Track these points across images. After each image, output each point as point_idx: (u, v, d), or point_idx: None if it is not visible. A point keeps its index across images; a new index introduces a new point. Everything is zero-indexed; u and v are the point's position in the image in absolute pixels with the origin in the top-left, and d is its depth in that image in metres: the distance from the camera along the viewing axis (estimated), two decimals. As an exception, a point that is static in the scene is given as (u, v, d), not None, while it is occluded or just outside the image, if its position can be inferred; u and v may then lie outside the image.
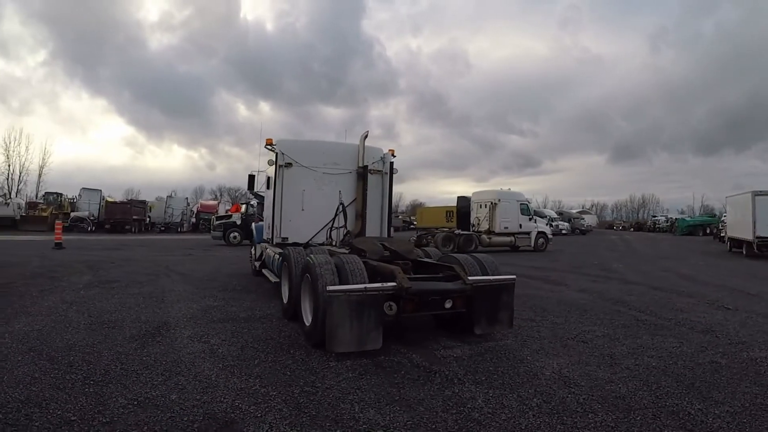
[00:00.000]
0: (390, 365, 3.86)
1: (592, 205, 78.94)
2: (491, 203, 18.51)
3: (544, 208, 51.71)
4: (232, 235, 20.20)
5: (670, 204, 73.74)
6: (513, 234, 18.58)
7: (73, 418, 2.73)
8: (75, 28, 77.79)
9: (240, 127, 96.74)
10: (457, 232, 18.77)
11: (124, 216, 31.18)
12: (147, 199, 40.19)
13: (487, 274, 4.96)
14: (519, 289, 8.30)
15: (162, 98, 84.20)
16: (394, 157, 9.24)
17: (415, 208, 53.51)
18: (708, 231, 35.27)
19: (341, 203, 8.13)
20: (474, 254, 5.46)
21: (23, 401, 2.94)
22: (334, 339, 3.89)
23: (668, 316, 6.00)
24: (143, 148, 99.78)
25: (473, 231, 18.69)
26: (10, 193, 37.97)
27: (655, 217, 54.04)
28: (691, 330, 5.22)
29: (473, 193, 20.31)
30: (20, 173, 43.26)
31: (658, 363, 3.95)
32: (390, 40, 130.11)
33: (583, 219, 45.01)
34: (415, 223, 37.79)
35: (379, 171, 8.88)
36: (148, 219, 35.18)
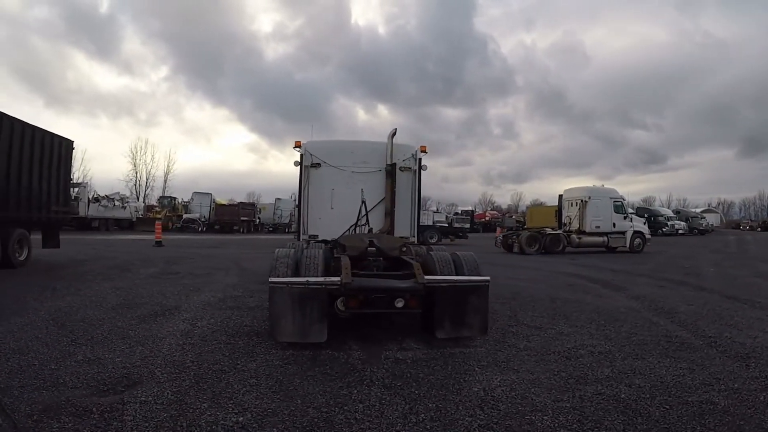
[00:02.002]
0: (324, 359, 4.07)
1: (719, 203, 75.92)
2: (581, 201, 17.52)
3: (661, 207, 50.38)
4: None
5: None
6: (605, 234, 17.89)
7: (34, 363, 3.68)
8: (192, 44, 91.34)
9: (360, 131, 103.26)
10: (544, 231, 18.05)
11: (232, 217, 35.86)
12: (269, 202, 44.75)
13: (463, 275, 4.83)
14: (563, 293, 7.97)
15: (282, 106, 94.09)
16: (425, 153, 9.30)
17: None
18: None
19: (363, 201, 8.48)
20: (459, 253, 5.33)
21: (14, 350, 4.04)
22: (277, 328, 4.30)
23: (710, 333, 5.09)
24: (266, 153, 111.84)
25: (564, 231, 17.71)
26: (138, 197, 46.26)
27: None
28: (722, 354, 4.37)
29: (564, 190, 19.33)
30: (147, 179, 52.69)
31: (630, 395, 3.30)
32: (503, 36, 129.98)
33: (703, 218, 42.69)
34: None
35: (409, 168, 9.04)
36: (257, 220, 39.66)
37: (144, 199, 47.28)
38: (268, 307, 4.41)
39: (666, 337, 4.94)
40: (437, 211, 62.54)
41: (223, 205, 40.90)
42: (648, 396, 3.30)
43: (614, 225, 17.88)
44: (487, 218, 53.58)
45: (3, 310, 5.62)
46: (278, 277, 4.51)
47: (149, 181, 53.23)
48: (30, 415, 2.77)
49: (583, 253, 17.80)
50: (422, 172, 9.20)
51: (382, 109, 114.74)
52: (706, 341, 4.80)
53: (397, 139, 8.95)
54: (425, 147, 9.26)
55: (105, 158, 68.82)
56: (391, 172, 8.76)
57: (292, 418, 2.87)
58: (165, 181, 53.07)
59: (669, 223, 32.83)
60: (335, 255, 5.70)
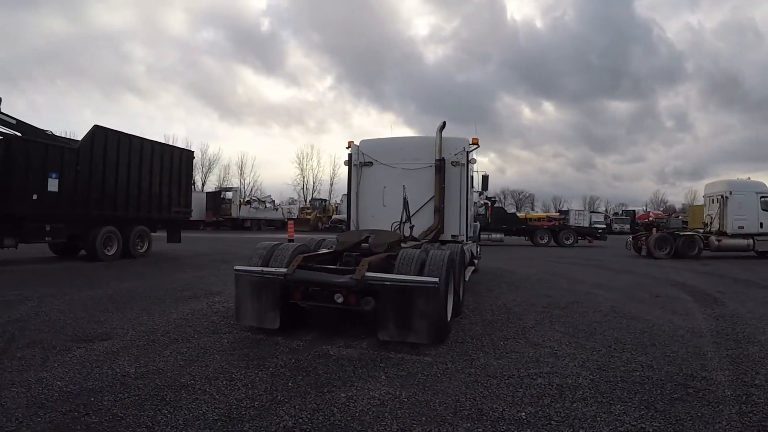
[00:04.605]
0: (265, 343, 4.64)
1: None
2: (721, 197, 14.45)
3: None
4: None
5: None
6: (751, 236, 15.86)
7: (69, 322, 5.25)
8: (353, 53, 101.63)
9: (525, 129, 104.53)
10: (678, 233, 15.75)
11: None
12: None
13: (421, 275, 4.68)
14: (632, 306, 7.24)
15: (446, 107, 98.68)
16: (477, 147, 9.08)
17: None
18: None
19: (405, 198, 8.72)
20: (434, 251, 5.23)
21: (63, 311, 5.81)
22: (239, 312, 5.09)
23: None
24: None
25: (704, 232, 15.09)
26: (305, 201, 53.20)
27: None
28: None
29: (705, 186, 16.53)
30: (313, 183, 60.35)
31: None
32: (667, 19, 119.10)
33: None
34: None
35: (460, 163, 8.97)
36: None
37: (308, 202, 54.28)
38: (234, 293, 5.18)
39: (684, 379, 4.01)
40: (594, 211, 57.87)
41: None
42: None
43: (761, 225, 15.98)
44: (650, 218, 47.79)
45: (80, 287, 7.77)
46: (247, 266, 5.23)
47: (315, 184, 61.15)
48: (54, 346, 4.20)
49: (724, 258, 15.99)
50: (471, 166, 9.03)
51: (548, 106, 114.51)
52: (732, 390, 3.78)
53: (445, 133, 8.97)
54: (477, 139, 9.08)
55: (275, 165, 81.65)
56: (439, 167, 8.83)
57: (187, 376, 3.62)
58: (331, 185, 60.12)
59: None
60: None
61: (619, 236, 24.28)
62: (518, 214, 35.83)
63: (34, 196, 9.80)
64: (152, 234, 13.35)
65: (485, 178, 10.98)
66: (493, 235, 23.91)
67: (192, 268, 11.03)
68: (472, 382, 3.76)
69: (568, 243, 23.84)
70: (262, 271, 4.98)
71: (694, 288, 9.28)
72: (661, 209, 68.52)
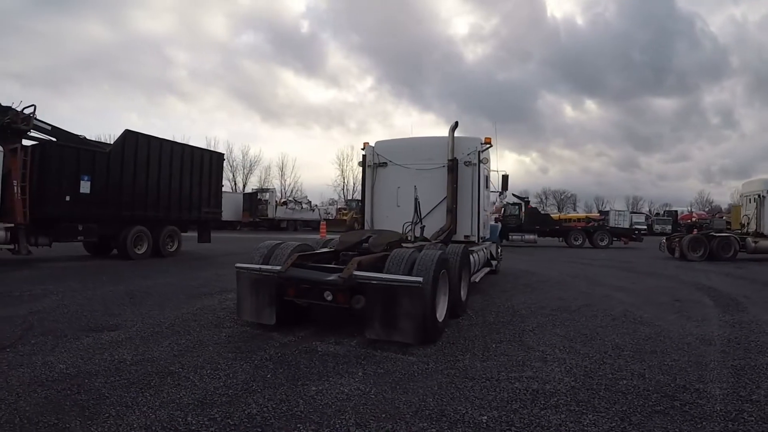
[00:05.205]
0: (257, 340, 4.86)
1: None
2: (758, 196, 13.63)
3: None
4: None
5: None
6: None
7: (84, 313, 5.84)
8: (393, 54, 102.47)
9: (568, 128, 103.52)
10: (713, 233, 15.66)
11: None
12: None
13: (411, 275, 4.75)
14: (646, 310, 7.21)
15: (487, 107, 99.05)
16: (490, 146, 9.05)
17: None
18: None
19: (416, 198, 8.82)
20: (426, 251, 5.30)
21: (81, 305, 6.36)
22: (240, 307, 5.39)
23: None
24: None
25: (741, 232, 14.36)
26: (345, 201, 54.11)
27: None
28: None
29: (742, 184, 15.66)
30: (354, 184, 61.44)
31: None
32: (711, 13, 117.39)
33: None
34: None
35: (473, 163, 8.98)
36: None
37: (345, 203, 55.25)
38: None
39: (673, 391, 3.90)
40: (635, 212, 55.87)
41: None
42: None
43: None
44: (693, 219, 45.92)
45: (104, 283, 8.40)
46: (248, 263, 5.52)
47: (355, 185, 62.32)
48: (66, 334, 4.71)
49: (761, 261, 15.19)
50: (483, 166, 9.00)
51: (590, 104, 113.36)
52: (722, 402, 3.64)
53: (458, 133, 9.00)
54: (489, 139, 9.07)
55: (316, 166, 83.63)
56: (452, 167, 8.87)
57: (177, 365, 3.91)
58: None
59: None
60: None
61: (660, 237, 23.26)
62: (553, 215, 35.04)
63: (67, 198, 10.67)
64: (183, 234, 14.10)
65: (505, 178, 10.89)
66: (527, 236, 23.56)
67: (215, 266, 11.58)
68: (447, 383, 3.77)
69: (603, 244, 23.45)
70: (260, 268, 5.25)
71: (719, 292, 8.90)
72: (706, 210, 66.33)
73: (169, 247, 13.42)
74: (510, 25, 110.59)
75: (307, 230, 40.05)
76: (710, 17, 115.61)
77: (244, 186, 57.82)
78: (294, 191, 61.38)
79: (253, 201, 39.69)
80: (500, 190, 11.30)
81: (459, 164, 8.87)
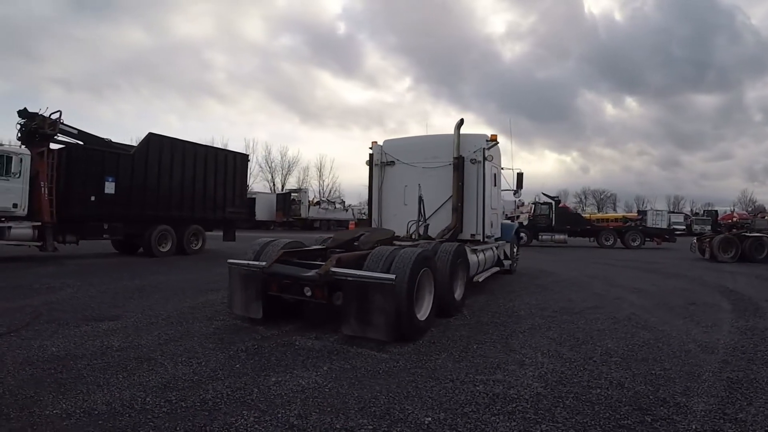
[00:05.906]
0: (241, 333, 5.10)
1: None
2: None
3: None
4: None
5: None
6: None
7: (91, 305, 6.32)
8: (430, 54, 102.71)
9: (609, 126, 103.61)
10: (745, 234, 15.01)
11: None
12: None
13: (387, 272, 4.81)
14: (656, 314, 7.22)
15: (526, 105, 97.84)
16: (495, 143, 8.98)
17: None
18: None
19: (420, 197, 8.88)
20: (406, 249, 5.30)
21: (92, 298, 6.83)
22: (231, 301, 5.68)
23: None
24: (515, 154, 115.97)
25: None
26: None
27: None
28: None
29: None
30: None
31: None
32: (752, 5, 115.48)
33: None
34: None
35: (478, 160, 8.94)
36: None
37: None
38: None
39: (650, 404, 3.78)
40: (674, 211, 53.58)
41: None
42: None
43: None
44: (734, 219, 43.68)
45: (121, 278, 8.96)
46: (239, 259, 5.80)
47: None
48: (68, 323, 5.14)
49: None
50: (489, 164, 8.92)
51: (630, 102, 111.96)
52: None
53: (461, 129, 8.96)
54: (495, 136, 9.01)
55: (355, 167, 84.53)
56: (458, 165, 8.87)
57: (158, 352, 4.21)
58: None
59: None
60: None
61: (699, 238, 22.53)
62: (585, 215, 34.02)
63: (92, 198, 11.47)
64: (209, 233, 14.76)
65: (520, 176, 10.70)
66: (557, 236, 23.04)
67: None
68: (408, 382, 3.78)
69: (635, 244, 22.84)
70: (248, 264, 5.51)
71: (741, 296, 8.46)
72: (749, 209, 63.28)
73: (194, 245, 14.09)
74: (547, 22, 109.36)
75: (340, 230, 40.65)
76: (751, 9, 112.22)
77: (282, 186, 59.35)
78: (332, 192, 62.46)
79: (287, 201, 40.68)
80: (515, 188, 11.15)
81: (465, 162, 8.83)
